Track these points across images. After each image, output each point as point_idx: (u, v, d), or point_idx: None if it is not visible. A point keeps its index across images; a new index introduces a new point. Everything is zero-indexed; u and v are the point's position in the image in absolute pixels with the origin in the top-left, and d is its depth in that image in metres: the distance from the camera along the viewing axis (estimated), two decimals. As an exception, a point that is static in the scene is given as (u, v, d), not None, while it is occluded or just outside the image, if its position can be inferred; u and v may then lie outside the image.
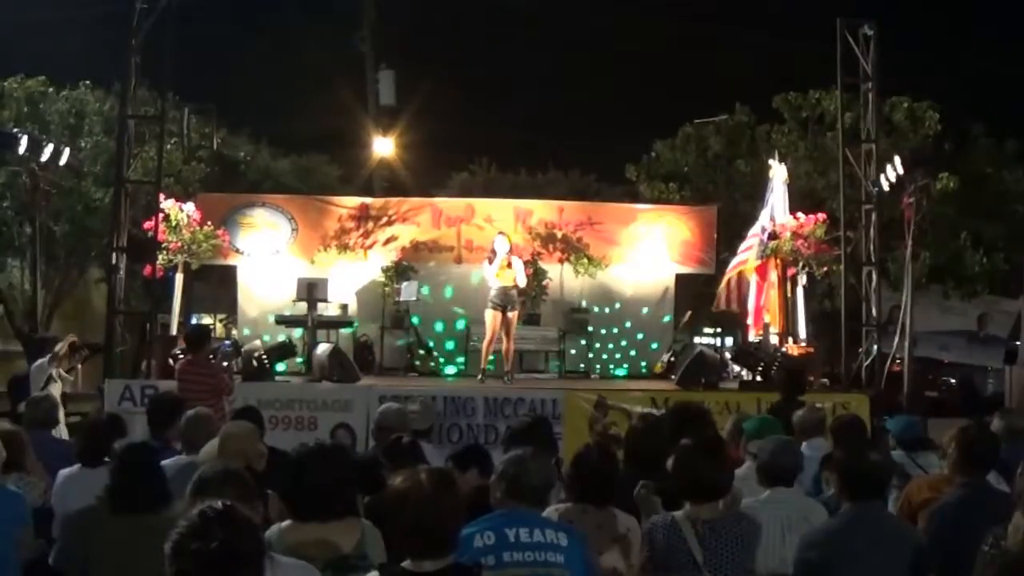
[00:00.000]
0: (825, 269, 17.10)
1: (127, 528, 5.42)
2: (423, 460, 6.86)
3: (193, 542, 3.23)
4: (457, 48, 34.58)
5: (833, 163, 18.12)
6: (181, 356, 13.06)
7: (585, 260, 18.33)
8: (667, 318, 19.08)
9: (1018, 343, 21.91)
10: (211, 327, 12.26)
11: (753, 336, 17.75)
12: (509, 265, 15.09)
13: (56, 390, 13.08)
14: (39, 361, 13.51)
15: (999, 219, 23.98)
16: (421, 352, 17.80)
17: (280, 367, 15.67)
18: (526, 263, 17.70)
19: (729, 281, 18.17)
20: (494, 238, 15.74)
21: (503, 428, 10.41)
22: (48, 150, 16.26)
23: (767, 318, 17.40)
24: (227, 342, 15.68)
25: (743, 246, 17.90)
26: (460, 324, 17.92)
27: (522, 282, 15.34)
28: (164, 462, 6.98)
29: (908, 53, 23.16)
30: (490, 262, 15.27)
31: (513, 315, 15.19)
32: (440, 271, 18.56)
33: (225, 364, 12.95)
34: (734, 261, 18.12)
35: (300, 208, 18.83)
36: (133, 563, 5.25)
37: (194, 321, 19.88)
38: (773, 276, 17.35)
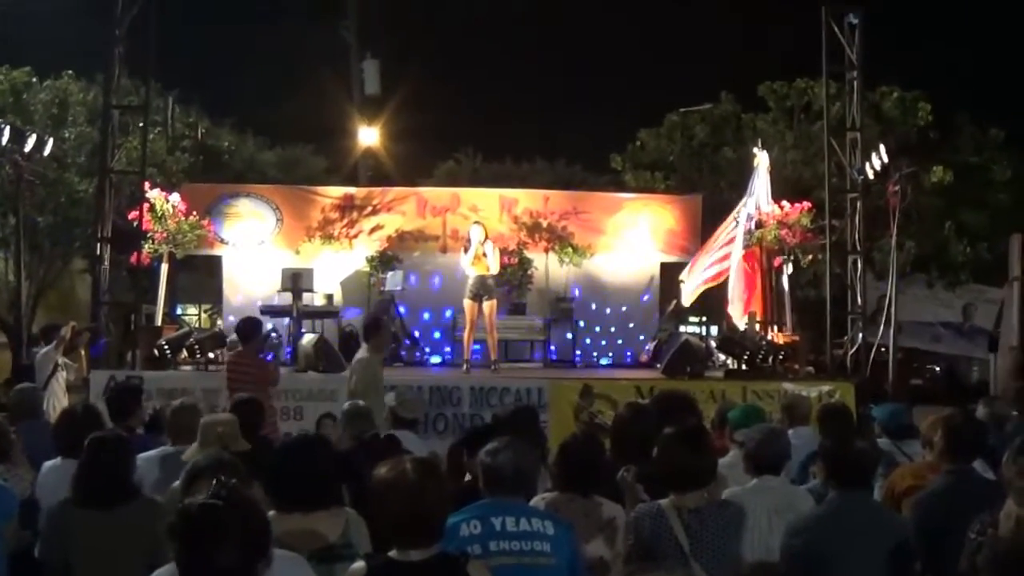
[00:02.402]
0: (810, 258, 17.10)
1: (97, 521, 5.49)
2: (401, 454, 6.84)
3: (191, 507, 3.31)
4: (442, 37, 34.51)
5: (820, 152, 18.11)
6: (231, 348, 13.21)
7: (570, 249, 18.31)
8: (652, 307, 19.06)
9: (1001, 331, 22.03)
10: (259, 320, 12.34)
11: (738, 321, 17.72)
12: (484, 255, 15.08)
13: (62, 378, 13.06)
14: (44, 349, 13.47)
15: (984, 208, 24.02)
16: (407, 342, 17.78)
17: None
18: (511, 252, 17.72)
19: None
20: (469, 228, 15.77)
21: (489, 417, 10.37)
22: (31, 140, 16.18)
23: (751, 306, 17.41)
24: (275, 333, 15.63)
25: (724, 238, 17.78)
26: (446, 314, 17.85)
27: (493, 268, 15.31)
28: (150, 453, 7.00)
29: (893, 41, 23.19)
30: (465, 251, 15.29)
31: (489, 304, 15.16)
32: (425, 261, 18.53)
33: (272, 355, 12.95)
34: (714, 258, 17.89)
35: (285, 198, 18.79)
36: (106, 555, 5.34)
37: (178, 311, 19.83)
38: (756, 264, 17.36)
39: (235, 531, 3.26)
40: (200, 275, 20.90)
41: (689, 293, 18.21)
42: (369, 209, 18.62)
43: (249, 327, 11.89)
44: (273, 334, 15.76)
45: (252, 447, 6.57)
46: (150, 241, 16.36)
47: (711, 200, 20.85)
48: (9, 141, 15.98)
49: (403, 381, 13.57)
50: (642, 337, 18.61)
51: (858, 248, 16.88)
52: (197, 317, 20.24)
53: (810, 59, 18.14)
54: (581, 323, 18.34)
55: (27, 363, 15.24)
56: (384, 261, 18.02)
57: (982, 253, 23.38)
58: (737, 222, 17.47)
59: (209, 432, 6.54)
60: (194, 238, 16.91)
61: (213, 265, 18.95)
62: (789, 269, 17.37)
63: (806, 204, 17.02)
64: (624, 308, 18.74)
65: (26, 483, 6.89)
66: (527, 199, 19.10)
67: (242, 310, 17.88)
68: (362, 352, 11.42)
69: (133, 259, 16.54)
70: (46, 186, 19.55)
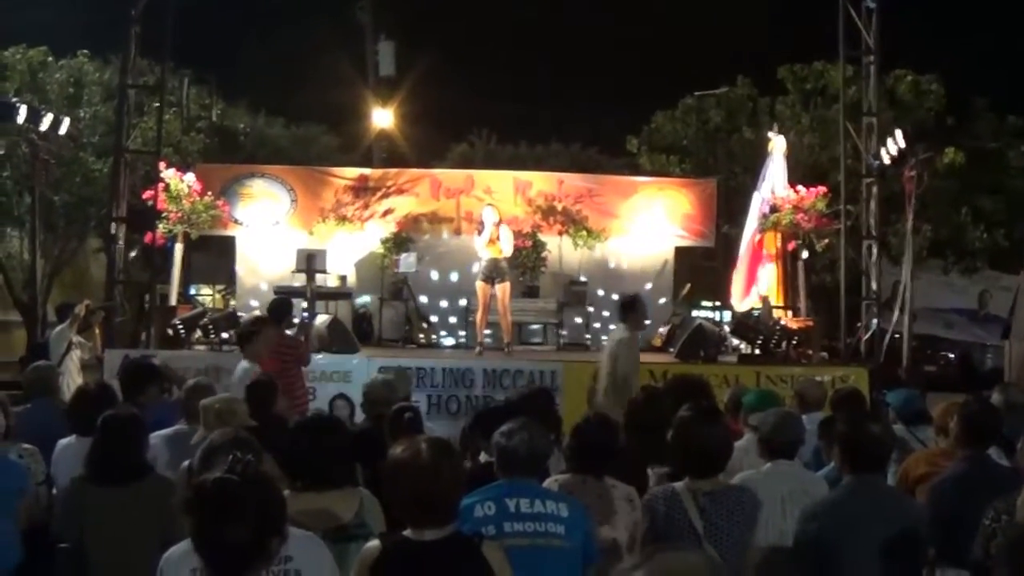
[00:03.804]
0: (826, 242, 17.05)
1: (111, 498, 5.54)
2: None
3: (207, 482, 3.32)
4: (457, 19, 34.48)
5: (836, 136, 18.05)
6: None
7: (584, 232, 18.26)
8: (666, 291, 19.01)
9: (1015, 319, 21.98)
10: (289, 300, 12.34)
11: (738, 304, 17.67)
12: (498, 237, 15.02)
13: (76, 357, 13.08)
14: (59, 327, 13.49)
15: (1000, 194, 23.94)
16: (420, 324, 17.77)
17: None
18: (525, 235, 17.66)
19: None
20: (482, 210, 15.70)
21: (502, 399, 10.35)
22: (47, 120, 16.20)
23: (762, 291, 17.35)
24: (306, 314, 15.68)
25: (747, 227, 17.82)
26: (459, 296, 17.85)
27: (507, 251, 15.22)
28: (163, 431, 7.01)
29: (910, 26, 23.06)
30: (479, 234, 15.22)
31: (502, 287, 15.03)
32: (439, 243, 18.52)
33: (303, 336, 12.89)
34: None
35: (299, 179, 18.78)
36: (120, 531, 5.38)
37: (192, 291, 19.87)
38: (773, 249, 17.33)
39: (250, 507, 3.25)
40: (214, 255, 20.91)
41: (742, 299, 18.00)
42: (383, 191, 18.59)
43: (280, 307, 11.92)
44: (304, 314, 15.75)
45: (260, 424, 6.56)
46: (165, 221, 16.39)
47: (726, 184, 20.80)
48: (25, 120, 16.02)
49: (416, 364, 13.62)
50: (655, 321, 18.50)
51: (873, 233, 16.81)
52: (211, 297, 20.21)
53: (826, 43, 18.06)
54: (594, 307, 18.30)
55: (42, 341, 15.30)
56: (398, 243, 18.01)
57: (999, 239, 23.30)
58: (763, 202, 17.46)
59: (208, 413, 6.55)
60: (208, 218, 16.95)
61: (227, 245, 18.96)
62: (804, 254, 17.33)
63: (821, 188, 16.98)
64: (638, 292, 18.63)
65: (42, 465, 6.89)
66: (541, 182, 19.05)
67: (256, 290, 17.99)
68: (620, 331, 10.96)
69: (148, 239, 16.58)
70: (61, 165, 19.58)
